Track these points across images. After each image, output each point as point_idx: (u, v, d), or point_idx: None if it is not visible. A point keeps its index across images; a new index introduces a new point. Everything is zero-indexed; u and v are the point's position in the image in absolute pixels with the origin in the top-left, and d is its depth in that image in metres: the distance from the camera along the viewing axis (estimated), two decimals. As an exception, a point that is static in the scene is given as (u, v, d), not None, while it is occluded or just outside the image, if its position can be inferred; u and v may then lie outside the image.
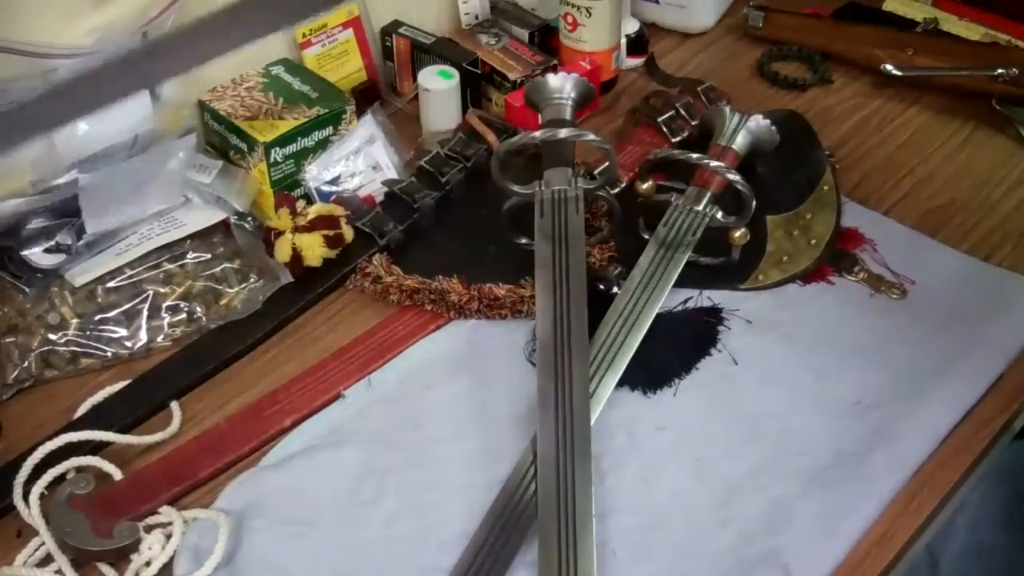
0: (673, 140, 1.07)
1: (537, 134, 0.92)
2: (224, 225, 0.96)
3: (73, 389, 0.87)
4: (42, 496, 0.77)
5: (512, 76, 1.12)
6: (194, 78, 0.97)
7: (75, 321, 0.89)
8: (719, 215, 0.94)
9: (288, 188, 1.00)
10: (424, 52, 1.13)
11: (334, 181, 1.01)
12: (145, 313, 0.90)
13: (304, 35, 1.07)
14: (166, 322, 0.90)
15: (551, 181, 0.93)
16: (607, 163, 0.94)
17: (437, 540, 0.75)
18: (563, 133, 0.92)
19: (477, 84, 1.13)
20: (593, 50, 1.15)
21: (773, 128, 1.01)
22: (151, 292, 0.91)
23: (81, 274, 0.91)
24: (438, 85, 1.07)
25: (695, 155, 0.94)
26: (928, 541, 0.79)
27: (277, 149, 0.98)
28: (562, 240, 0.88)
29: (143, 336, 0.89)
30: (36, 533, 0.75)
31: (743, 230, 0.91)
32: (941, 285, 0.92)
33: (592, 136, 0.92)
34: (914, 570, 0.78)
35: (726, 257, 0.93)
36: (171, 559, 0.74)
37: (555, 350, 0.80)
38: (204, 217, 0.95)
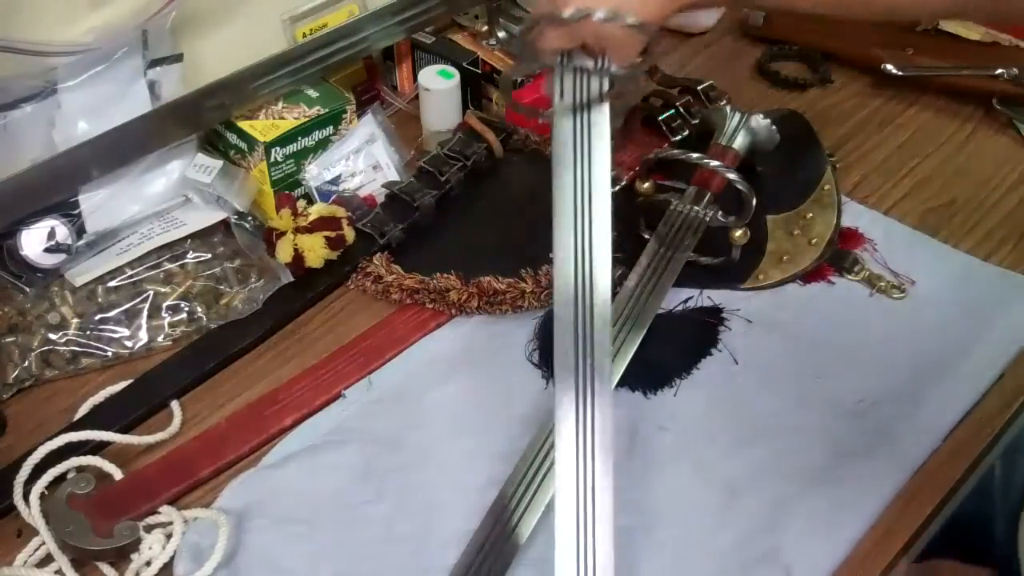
0: (673, 140, 1.07)
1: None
2: (224, 225, 0.96)
3: (73, 389, 0.87)
4: (42, 496, 0.77)
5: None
6: (194, 77, 0.97)
7: (75, 321, 0.89)
8: (719, 215, 0.93)
9: (288, 188, 1.00)
10: (424, 52, 1.13)
11: (334, 181, 1.01)
12: (145, 313, 0.90)
13: (304, 35, 1.07)
14: (166, 322, 0.90)
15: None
16: (607, 163, 0.93)
17: (437, 540, 0.75)
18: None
19: (477, 84, 1.13)
20: (593, 50, 1.15)
21: (773, 128, 1.01)
22: (151, 292, 0.91)
23: (81, 274, 0.91)
24: (438, 85, 1.07)
25: (695, 155, 0.94)
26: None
27: (277, 149, 0.98)
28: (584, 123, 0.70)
29: (143, 336, 0.89)
30: (36, 533, 0.75)
31: (743, 230, 0.91)
32: (941, 285, 0.92)
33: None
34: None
35: (726, 257, 0.93)
36: (171, 559, 0.74)
37: (576, 305, 0.68)
38: (204, 217, 0.95)
